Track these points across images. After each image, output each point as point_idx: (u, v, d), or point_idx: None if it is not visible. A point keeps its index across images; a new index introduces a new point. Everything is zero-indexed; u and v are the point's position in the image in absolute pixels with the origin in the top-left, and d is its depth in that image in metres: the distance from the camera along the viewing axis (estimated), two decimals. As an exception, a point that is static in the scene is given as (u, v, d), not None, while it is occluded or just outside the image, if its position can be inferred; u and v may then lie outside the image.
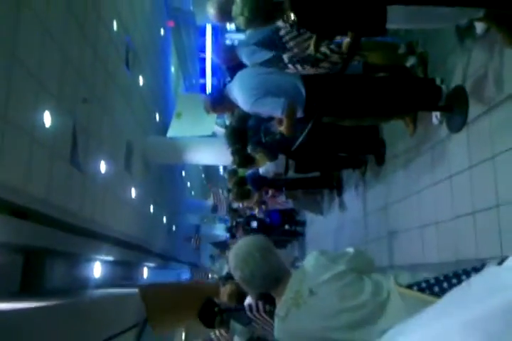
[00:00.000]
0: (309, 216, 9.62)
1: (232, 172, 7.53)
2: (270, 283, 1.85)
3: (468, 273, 1.05)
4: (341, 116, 3.52)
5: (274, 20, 2.75)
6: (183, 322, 3.60)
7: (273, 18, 2.69)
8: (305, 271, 1.85)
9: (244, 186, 6.57)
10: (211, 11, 3.19)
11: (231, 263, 1.89)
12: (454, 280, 1.11)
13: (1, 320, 3.59)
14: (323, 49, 3.36)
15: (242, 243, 1.91)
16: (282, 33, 2.92)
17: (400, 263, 4.51)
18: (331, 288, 1.77)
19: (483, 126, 3.05)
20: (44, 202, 5.51)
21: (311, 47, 3.00)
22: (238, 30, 17.02)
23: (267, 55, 3.30)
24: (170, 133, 8.47)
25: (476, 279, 0.88)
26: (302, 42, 3.04)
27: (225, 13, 2.99)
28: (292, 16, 2.61)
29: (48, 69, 5.69)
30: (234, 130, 5.40)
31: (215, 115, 7.74)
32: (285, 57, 3.36)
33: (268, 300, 2.08)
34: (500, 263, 0.88)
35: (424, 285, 1.16)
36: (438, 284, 1.15)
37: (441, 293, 1.10)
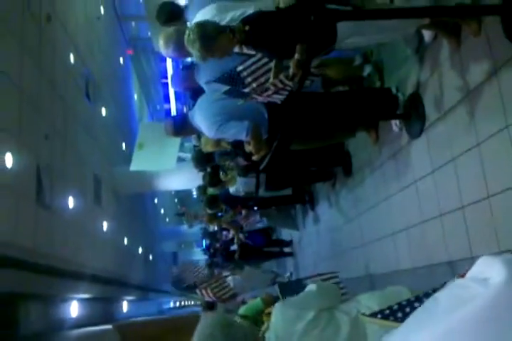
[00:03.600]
0: (294, 234, 9.55)
1: (202, 189, 7.50)
2: None
3: (429, 295, 1.06)
4: (307, 136, 3.59)
5: (228, 48, 2.73)
6: None
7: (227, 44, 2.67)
8: (276, 330, 1.75)
9: (215, 204, 6.50)
10: (164, 49, 3.14)
11: None
12: (417, 304, 1.12)
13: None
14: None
15: (201, 331, 1.68)
16: (240, 68, 2.92)
17: (376, 272, 4.53)
18: (310, 338, 1.70)
19: (440, 130, 3.13)
20: (11, 245, 5.33)
21: (271, 79, 2.96)
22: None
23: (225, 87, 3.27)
24: (132, 167, 8.26)
25: (443, 293, 0.88)
26: (260, 76, 3.04)
27: (181, 49, 2.91)
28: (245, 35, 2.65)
29: (4, 109, 5.58)
30: (200, 153, 5.41)
31: (177, 145, 7.68)
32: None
33: None
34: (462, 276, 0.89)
35: (387, 312, 1.17)
36: (401, 310, 1.16)
37: (403, 318, 1.11)
